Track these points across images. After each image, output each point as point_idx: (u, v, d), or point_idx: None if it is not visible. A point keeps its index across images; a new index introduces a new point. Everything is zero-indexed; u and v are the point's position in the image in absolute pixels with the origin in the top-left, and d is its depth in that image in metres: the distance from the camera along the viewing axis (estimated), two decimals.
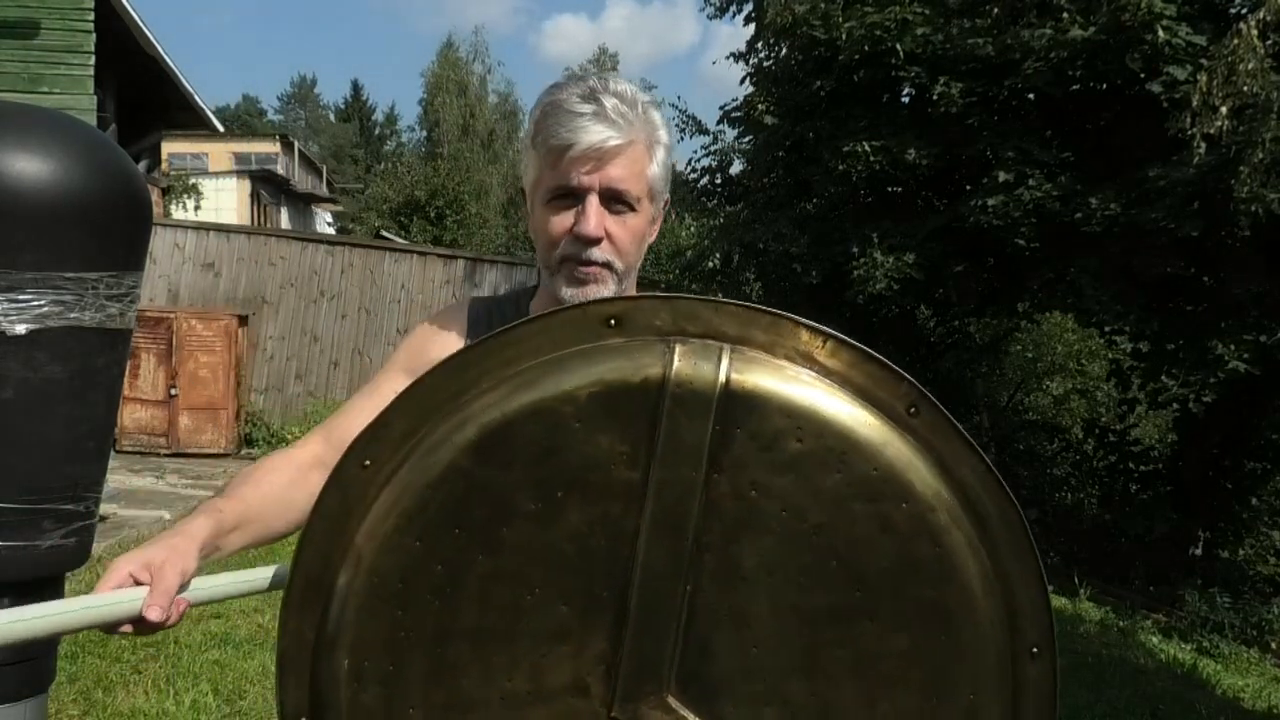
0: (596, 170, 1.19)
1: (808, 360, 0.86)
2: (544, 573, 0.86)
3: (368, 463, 0.87)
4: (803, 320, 0.86)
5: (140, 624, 1.01)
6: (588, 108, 1.18)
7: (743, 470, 0.84)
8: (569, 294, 1.24)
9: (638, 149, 1.21)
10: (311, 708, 0.89)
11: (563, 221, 1.22)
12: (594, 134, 1.17)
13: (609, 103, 1.18)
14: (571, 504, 0.85)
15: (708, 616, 0.86)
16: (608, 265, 1.23)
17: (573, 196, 1.21)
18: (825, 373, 0.85)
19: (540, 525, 0.85)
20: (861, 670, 0.86)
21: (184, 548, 1.07)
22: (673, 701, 0.86)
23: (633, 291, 1.32)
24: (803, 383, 0.85)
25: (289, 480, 1.24)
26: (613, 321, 0.86)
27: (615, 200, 1.21)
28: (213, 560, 1.16)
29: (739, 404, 0.83)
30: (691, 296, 0.87)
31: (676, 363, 0.83)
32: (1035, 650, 0.86)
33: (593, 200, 1.20)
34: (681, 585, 0.85)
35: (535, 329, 0.87)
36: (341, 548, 0.87)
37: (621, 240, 1.23)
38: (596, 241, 1.21)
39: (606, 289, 1.24)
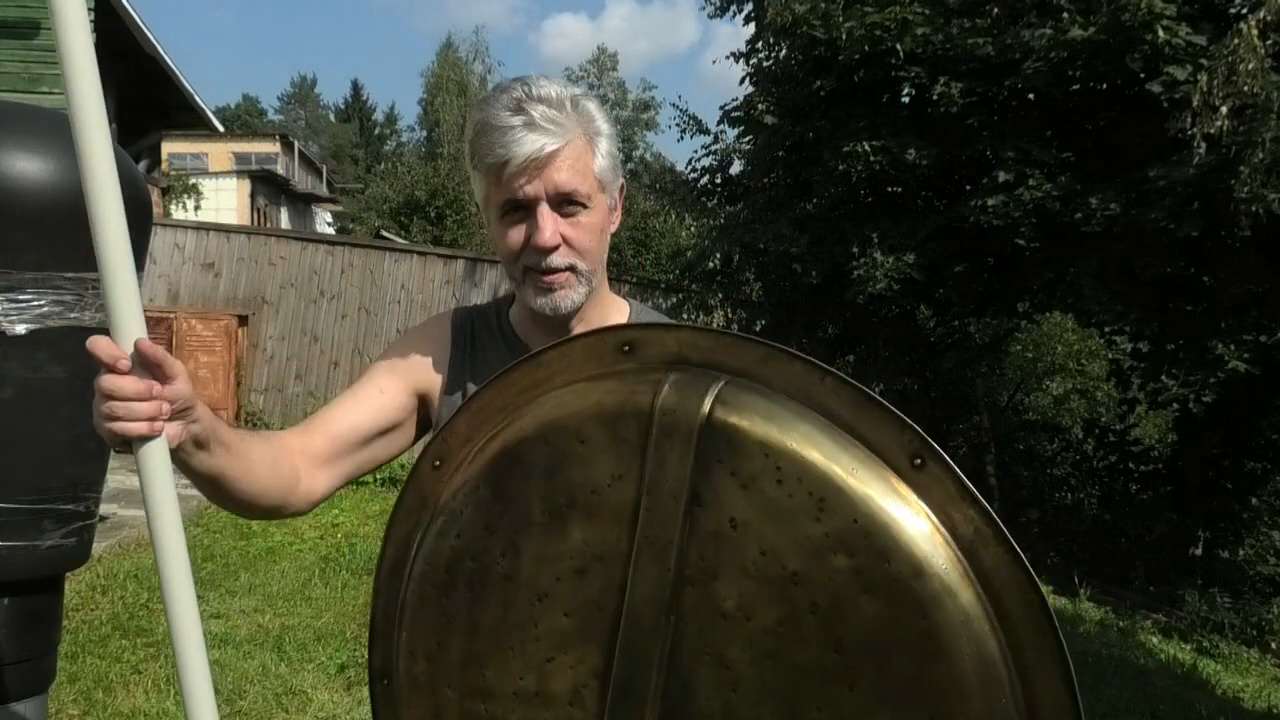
0: (539, 179, 1.19)
1: (806, 397, 0.81)
2: (551, 582, 0.90)
3: (437, 463, 0.98)
4: (799, 355, 0.82)
5: (136, 360, 0.98)
6: (517, 119, 1.17)
7: (723, 506, 0.82)
8: (539, 303, 1.25)
9: (577, 147, 1.21)
10: (388, 671, 1.01)
11: (518, 234, 1.23)
12: (528, 145, 1.17)
13: (537, 111, 1.18)
14: (574, 520, 0.89)
15: (691, 651, 0.84)
16: (572, 269, 1.24)
17: (523, 209, 1.21)
18: (825, 411, 0.81)
19: (548, 536, 0.90)
20: None
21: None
22: None
23: (604, 287, 1.34)
24: (791, 422, 0.80)
25: (277, 448, 1.25)
26: (626, 348, 0.90)
27: (566, 203, 1.21)
28: (191, 462, 1.09)
29: (720, 439, 0.81)
30: (695, 326, 0.88)
31: (665, 391, 0.85)
32: None
33: (543, 209, 1.20)
34: (666, 615, 0.84)
35: (560, 353, 0.94)
36: (416, 536, 0.99)
37: (580, 241, 1.23)
38: (554, 249, 1.21)
39: (576, 292, 1.25)
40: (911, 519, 0.76)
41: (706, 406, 0.83)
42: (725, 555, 0.83)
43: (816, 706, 0.80)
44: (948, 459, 0.77)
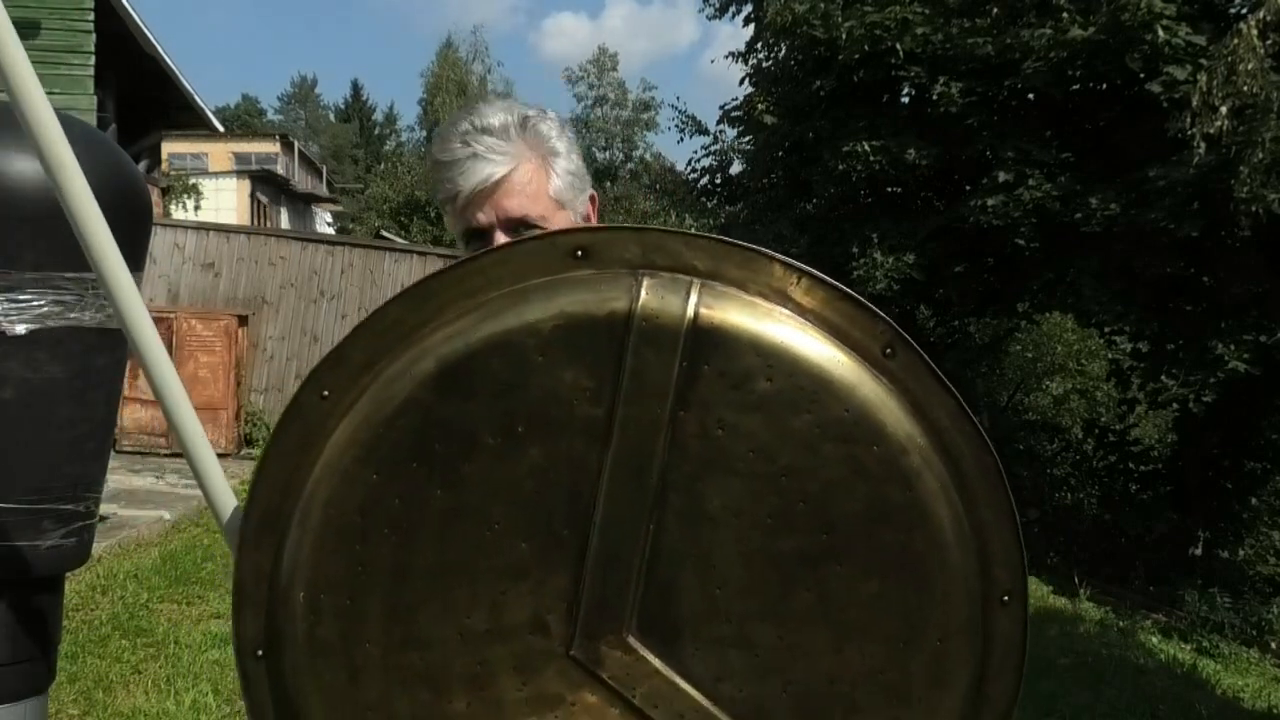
0: (489, 205, 1.21)
1: (781, 297, 0.83)
2: (504, 509, 0.83)
3: (326, 393, 0.85)
4: (777, 256, 0.83)
5: None
6: (464, 152, 1.20)
7: (710, 409, 0.81)
8: None
9: (526, 171, 1.23)
10: (268, 640, 0.87)
11: None
12: (475, 175, 1.19)
13: (482, 143, 1.20)
14: (533, 440, 0.82)
15: (671, 557, 0.84)
16: None
17: (482, 235, 1.24)
18: (799, 311, 0.83)
19: (501, 460, 0.83)
20: (829, 615, 0.84)
21: None
22: (633, 641, 0.85)
23: None
24: (775, 320, 0.82)
25: None
26: (580, 253, 0.83)
27: (519, 227, 1.23)
28: None
29: (707, 340, 0.81)
30: (662, 229, 0.84)
31: (643, 296, 0.81)
32: (1006, 598, 0.85)
33: (498, 236, 1.22)
34: (645, 525, 0.83)
35: (499, 259, 0.84)
36: (299, 480, 0.85)
37: None
38: None
39: None
40: (891, 403, 0.82)
41: (691, 309, 0.81)
42: (712, 457, 0.82)
43: (805, 587, 0.84)
44: (916, 347, 0.82)
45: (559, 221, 1.26)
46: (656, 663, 0.86)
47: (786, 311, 0.83)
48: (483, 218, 1.21)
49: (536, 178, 1.23)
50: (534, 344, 0.81)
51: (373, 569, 0.84)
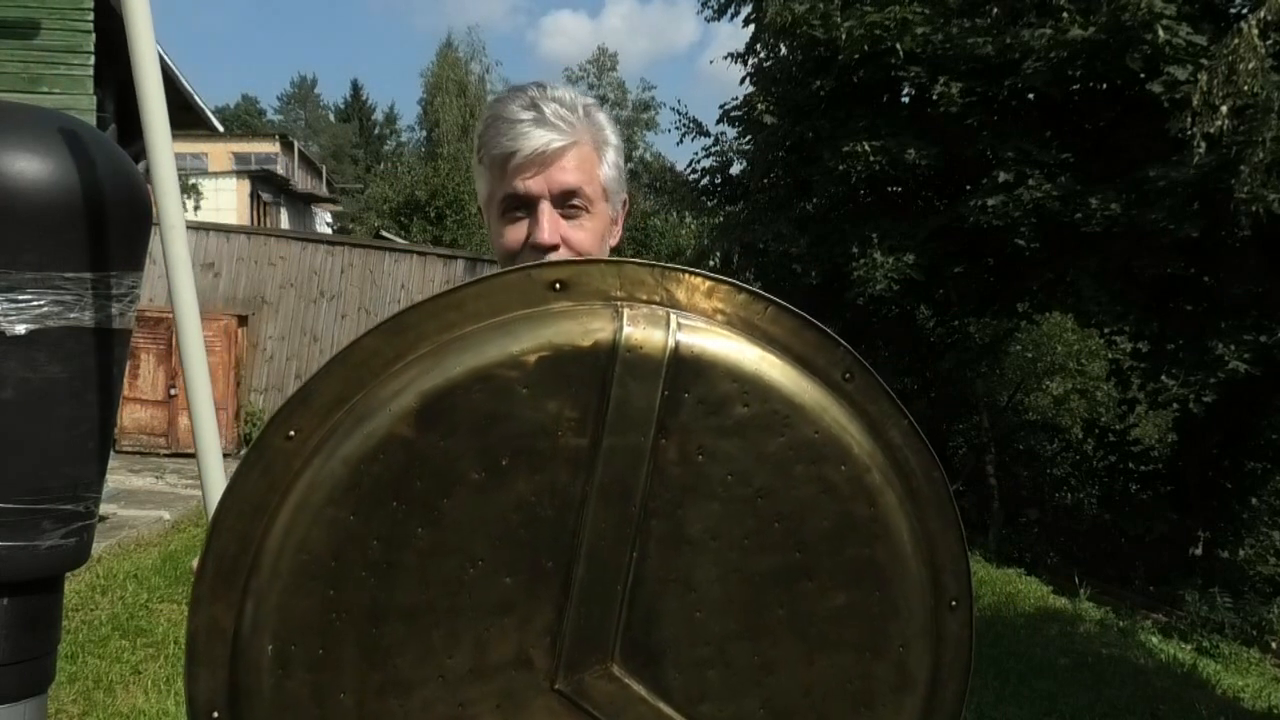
0: (543, 175, 1.17)
1: (749, 326, 0.86)
2: (487, 544, 0.82)
3: (292, 433, 0.82)
4: (743, 285, 0.86)
5: None
6: (528, 115, 1.17)
7: (690, 435, 0.83)
8: None
9: (584, 150, 1.20)
10: (230, 698, 0.83)
11: (518, 232, 1.19)
12: (536, 139, 1.16)
13: (549, 108, 1.17)
14: (518, 472, 0.82)
15: (653, 583, 0.85)
16: None
17: (525, 206, 1.19)
18: (766, 339, 0.86)
19: (484, 495, 0.82)
20: (801, 628, 0.87)
21: None
22: (617, 670, 0.85)
23: None
24: (747, 348, 0.85)
25: None
26: (558, 285, 0.84)
27: (568, 203, 1.19)
28: None
29: (688, 369, 0.83)
30: (637, 261, 0.86)
31: (627, 327, 0.82)
32: (954, 603, 0.90)
33: (544, 207, 1.18)
34: (628, 552, 0.83)
35: (477, 292, 0.83)
36: (263, 526, 0.81)
37: (580, 244, 1.19)
38: (553, 248, 1.17)
39: None
40: (853, 424, 0.87)
41: (672, 339, 0.82)
42: (692, 483, 0.84)
43: (780, 604, 0.86)
44: (872, 371, 0.87)
45: (601, 210, 1.23)
46: (641, 690, 0.86)
47: (756, 339, 0.86)
48: (534, 185, 1.17)
49: (590, 160, 1.21)
50: (518, 375, 0.81)
51: (348, 614, 0.82)
